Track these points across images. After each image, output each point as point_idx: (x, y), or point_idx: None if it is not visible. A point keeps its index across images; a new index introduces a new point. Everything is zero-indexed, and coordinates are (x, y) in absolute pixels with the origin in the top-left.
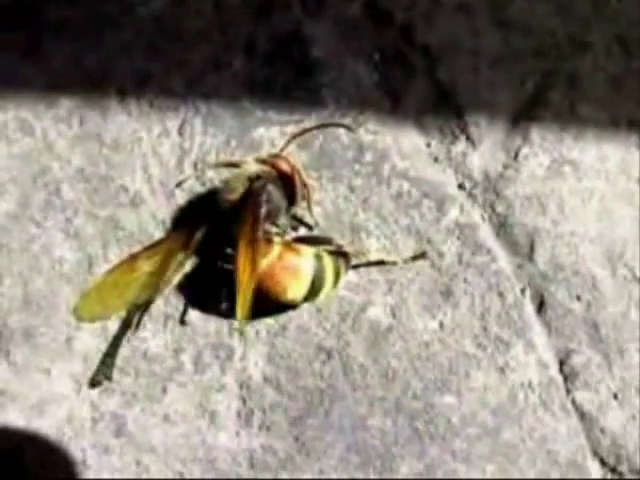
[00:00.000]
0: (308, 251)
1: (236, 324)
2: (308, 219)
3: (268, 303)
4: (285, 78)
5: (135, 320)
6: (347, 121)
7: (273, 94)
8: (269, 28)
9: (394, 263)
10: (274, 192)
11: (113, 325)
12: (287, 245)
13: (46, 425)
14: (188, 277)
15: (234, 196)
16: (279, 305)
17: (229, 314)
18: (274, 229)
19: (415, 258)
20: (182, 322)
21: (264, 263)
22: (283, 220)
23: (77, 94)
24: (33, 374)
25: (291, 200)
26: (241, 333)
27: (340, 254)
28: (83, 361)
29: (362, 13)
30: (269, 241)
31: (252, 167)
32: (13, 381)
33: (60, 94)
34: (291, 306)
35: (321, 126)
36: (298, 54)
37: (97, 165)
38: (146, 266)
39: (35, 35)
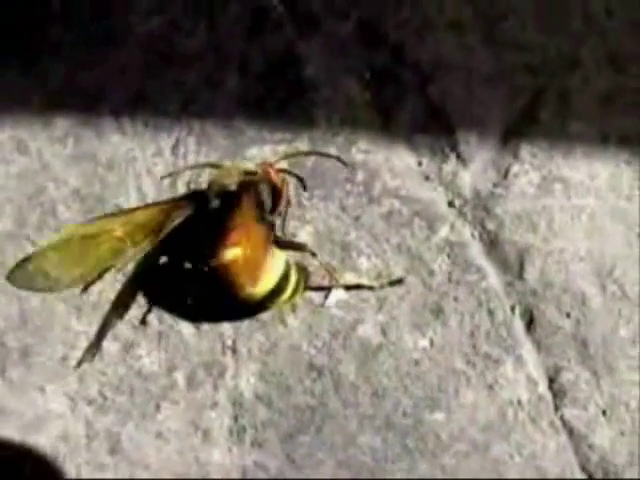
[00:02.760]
0: (281, 255)
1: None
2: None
3: (226, 294)
4: (278, 97)
5: (123, 307)
6: (339, 140)
7: (266, 113)
8: (262, 48)
9: (371, 288)
10: (265, 193)
11: (109, 345)
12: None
13: (41, 442)
14: (181, 293)
15: (228, 181)
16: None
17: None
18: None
19: (392, 283)
20: (143, 322)
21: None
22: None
23: (72, 114)
24: (29, 392)
25: (273, 206)
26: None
27: (303, 270)
28: (78, 379)
29: (354, 32)
30: None
31: (244, 165)
32: (9, 398)
33: (56, 114)
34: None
35: (315, 153)
36: (291, 73)
37: (92, 185)
38: (119, 231)
39: (31, 55)
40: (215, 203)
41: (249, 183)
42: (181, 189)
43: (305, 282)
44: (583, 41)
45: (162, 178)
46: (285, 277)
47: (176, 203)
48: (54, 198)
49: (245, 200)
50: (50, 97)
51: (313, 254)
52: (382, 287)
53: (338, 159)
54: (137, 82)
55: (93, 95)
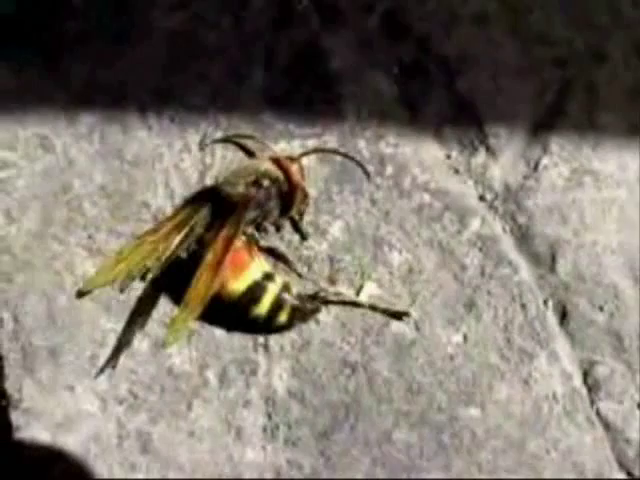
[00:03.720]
0: (261, 265)
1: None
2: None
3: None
4: (305, 91)
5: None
6: (368, 134)
7: (293, 107)
8: (288, 41)
9: (373, 309)
10: (272, 198)
11: (139, 343)
12: (249, 247)
13: (72, 443)
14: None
15: (232, 191)
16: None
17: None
18: (252, 232)
19: (395, 315)
20: None
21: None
22: (267, 224)
23: (97, 110)
24: (58, 392)
25: (286, 206)
26: (173, 341)
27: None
28: (108, 378)
29: (380, 25)
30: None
31: (262, 165)
32: (38, 399)
33: (80, 110)
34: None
35: (340, 153)
36: (317, 67)
37: (119, 181)
38: (149, 236)
39: (54, 52)
40: (216, 209)
41: (247, 197)
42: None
43: (303, 314)
44: (610, 33)
45: (201, 148)
46: (256, 288)
47: (197, 204)
48: (80, 195)
49: (229, 224)
50: (74, 93)
51: (299, 275)
52: (384, 313)
53: (359, 164)
54: (161, 77)
55: (117, 91)
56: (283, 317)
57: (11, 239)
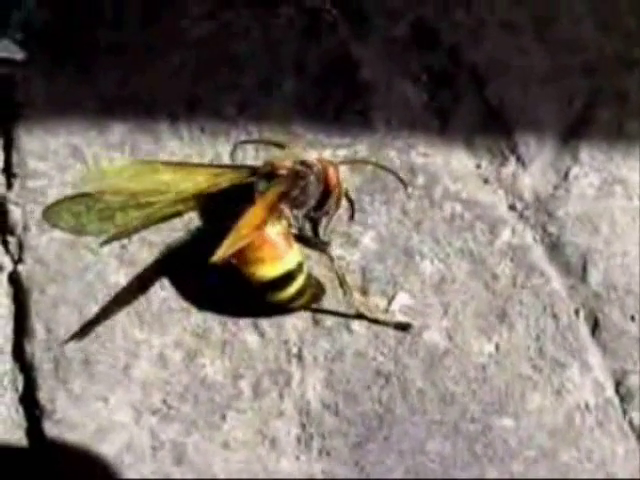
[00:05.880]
0: (297, 254)
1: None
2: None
3: (239, 268)
4: (335, 100)
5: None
6: (398, 143)
7: (323, 117)
8: (318, 51)
9: (375, 321)
10: (313, 184)
11: (172, 353)
12: (287, 234)
13: (105, 453)
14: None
15: (279, 163)
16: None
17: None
18: (289, 216)
19: (397, 326)
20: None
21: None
22: (296, 216)
23: (128, 120)
24: (91, 402)
25: (319, 204)
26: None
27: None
28: (142, 389)
29: (409, 33)
30: (279, 218)
31: (307, 157)
32: (71, 410)
33: (111, 120)
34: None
35: (379, 166)
36: (347, 76)
37: None
38: (164, 175)
39: (85, 61)
40: (259, 182)
41: (297, 173)
42: None
43: (316, 297)
44: (639, 40)
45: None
46: (292, 275)
47: (232, 170)
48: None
49: (281, 185)
50: (105, 103)
51: (331, 259)
52: (387, 325)
53: (402, 182)
54: (192, 86)
55: (148, 101)
56: (302, 301)
57: (43, 249)
